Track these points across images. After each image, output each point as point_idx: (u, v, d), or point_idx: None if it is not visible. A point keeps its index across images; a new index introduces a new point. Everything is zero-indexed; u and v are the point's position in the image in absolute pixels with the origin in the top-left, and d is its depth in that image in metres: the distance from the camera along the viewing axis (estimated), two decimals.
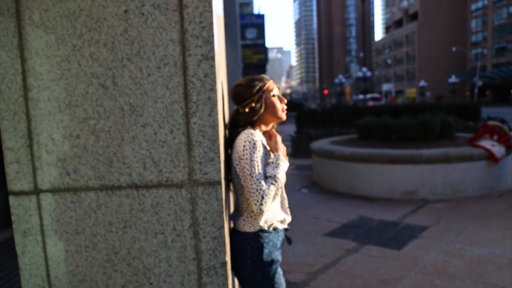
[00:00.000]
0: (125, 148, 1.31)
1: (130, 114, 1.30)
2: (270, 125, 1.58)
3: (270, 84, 1.53)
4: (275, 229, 1.54)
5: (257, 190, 1.36)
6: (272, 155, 1.50)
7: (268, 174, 1.42)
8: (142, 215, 1.33)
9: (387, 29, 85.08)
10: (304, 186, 6.76)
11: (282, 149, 1.52)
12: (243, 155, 1.39)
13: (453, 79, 45.08)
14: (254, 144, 1.39)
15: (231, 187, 1.58)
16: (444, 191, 5.62)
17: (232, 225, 1.58)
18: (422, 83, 50.66)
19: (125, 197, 1.33)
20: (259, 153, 1.40)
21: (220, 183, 1.32)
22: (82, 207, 1.33)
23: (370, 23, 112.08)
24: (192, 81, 1.28)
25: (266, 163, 1.45)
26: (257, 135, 1.42)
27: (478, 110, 11.22)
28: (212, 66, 1.28)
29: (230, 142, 1.51)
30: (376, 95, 60.24)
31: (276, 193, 1.45)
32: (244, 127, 1.47)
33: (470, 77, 49.50)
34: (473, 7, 60.03)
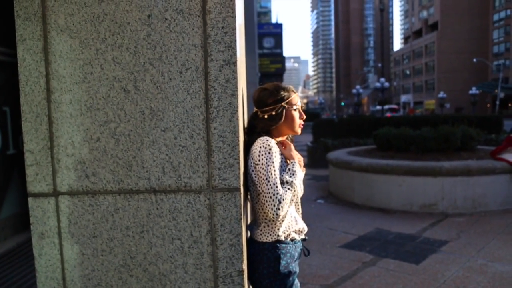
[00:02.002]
0: (145, 152, 1.30)
1: (151, 118, 1.29)
2: (285, 137, 1.58)
3: (295, 97, 1.51)
4: (292, 240, 1.50)
5: (273, 195, 1.34)
6: (289, 162, 1.48)
7: (285, 180, 1.40)
8: (159, 220, 1.32)
9: (406, 39, 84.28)
10: (320, 197, 6.66)
11: (297, 157, 1.49)
12: (259, 160, 1.37)
13: (473, 90, 44.12)
14: (270, 149, 1.38)
15: (248, 196, 1.55)
16: (465, 204, 5.44)
17: (249, 234, 1.55)
18: (442, 94, 49.73)
19: (143, 201, 1.32)
20: (275, 159, 1.38)
21: (239, 189, 1.29)
22: (100, 210, 1.32)
23: (388, 33, 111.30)
24: (213, 86, 1.27)
25: (281, 170, 1.43)
26: (273, 142, 1.41)
27: (500, 122, 10.91)
28: (234, 71, 1.26)
29: (246, 148, 1.49)
30: (394, 106, 59.48)
31: (292, 199, 1.42)
32: (260, 134, 1.45)
33: (491, 88, 48.33)
34: (496, 17, 58.84)
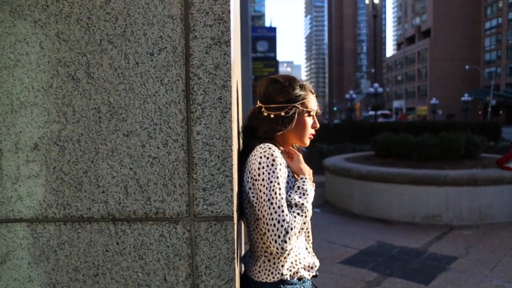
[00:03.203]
0: (101, 165, 0.93)
1: (109, 118, 0.92)
2: (288, 147, 1.22)
3: (312, 98, 1.15)
4: (300, 278, 1.14)
5: (278, 222, 0.97)
6: (299, 178, 1.11)
7: (293, 202, 1.03)
8: (121, 260, 0.95)
9: (399, 45, 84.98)
10: (316, 205, 6.31)
11: (307, 170, 1.13)
12: (259, 175, 1.01)
13: (466, 97, 44.45)
14: (274, 160, 1.01)
15: (243, 220, 1.19)
16: (471, 216, 5.14)
17: (242, 269, 1.19)
18: (434, 100, 50.06)
19: (98, 233, 0.94)
20: (280, 173, 1.02)
21: (231, 218, 0.93)
22: (38, 245, 0.95)
23: (381, 39, 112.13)
24: (197, 74, 0.91)
25: (288, 188, 1.07)
26: (277, 151, 1.05)
27: (499, 129, 10.72)
28: (226, 54, 0.90)
29: (242, 157, 1.13)
30: (386, 111, 59.73)
31: (302, 228, 1.06)
32: (261, 140, 1.10)
33: (483, 95, 48.81)
34: (487, 25, 59.59)
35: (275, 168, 1.00)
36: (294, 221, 0.98)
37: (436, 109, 51.37)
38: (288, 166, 1.10)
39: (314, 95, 1.15)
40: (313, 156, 9.61)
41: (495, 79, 52.00)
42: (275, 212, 0.97)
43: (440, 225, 5.10)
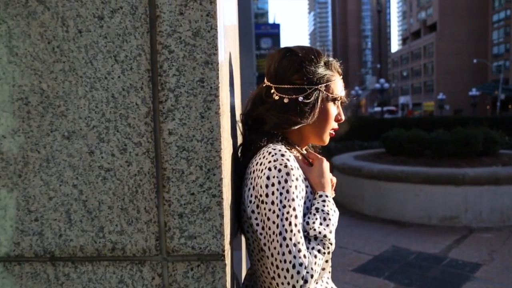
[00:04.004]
0: (31, 181, 0.64)
1: (42, 112, 0.63)
2: (304, 147, 0.89)
3: (339, 82, 0.84)
4: None
5: (293, 267, 0.66)
6: (316, 195, 0.78)
7: (312, 233, 0.71)
8: None
9: (404, 40, 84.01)
10: None
11: (330, 184, 0.82)
12: (267, 194, 0.69)
13: (473, 92, 43.78)
14: (288, 174, 0.70)
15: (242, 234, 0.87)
16: (492, 217, 4.81)
17: None
18: (441, 96, 49.41)
19: (31, 278, 0.65)
20: (296, 192, 0.70)
21: (221, 257, 0.64)
22: None
23: (386, 35, 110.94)
24: (167, 45, 0.61)
25: (305, 209, 0.75)
26: (292, 158, 0.73)
27: None
28: (210, 14, 0.60)
29: (243, 157, 0.83)
30: (392, 107, 59.11)
31: (323, 268, 0.76)
32: (270, 136, 0.78)
33: (491, 90, 48.04)
34: (495, 17, 58.53)
35: (290, 186, 0.69)
36: (315, 263, 0.67)
37: (443, 105, 50.76)
38: (305, 178, 0.78)
39: (341, 76, 0.85)
40: (320, 154, 9.28)
41: (504, 72, 51.17)
42: (289, 253, 0.65)
43: (459, 227, 4.78)
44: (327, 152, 9.10)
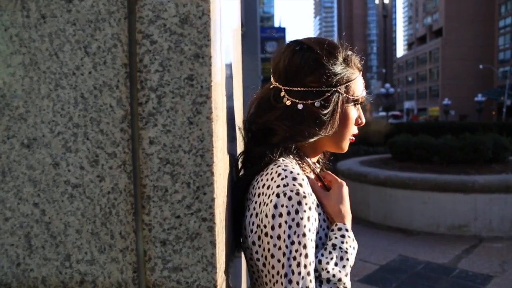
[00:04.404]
0: None
1: None
2: (317, 157, 0.76)
3: (360, 81, 0.71)
4: None
5: None
6: (334, 227, 0.65)
7: (325, 275, 0.59)
8: None
9: (410, 45, 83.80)
10: None
11: (349, 211, 0.68)
12: (273, 227, 0.56)
13: (479, 97, 43.49)
14: (300, 204, 0.56)
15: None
16: (502, 226, 4.67)
17: None
18: (446, 101, 49.16)
19: None
20: (309, 224, 0.57)
21: None
22: None
23: (391, 40, 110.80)
24: (149, 34, 0.50)
25: (318, 240, 0.63)
26: (305, 183, 0.60)
27: None
28: None
29: (245, 174, 0.69)
30: (397, 112, 58.86)
31: None
32: (278, 149, 0.64)
33: (497, 95, 47.75)
34: (501, 23, 58.21)
35: (301, 218, 0.56)
36: None
37: (448, 110, 50.52)
38: (319, 204, 0.64)
39: (361, 72, 0.72)
40: (329, 160, 9.15)
41: (510, 78, 50.81)
42: None
43: (468, 236, 4.65)
44: (330, 155, 8.93)
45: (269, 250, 0.56)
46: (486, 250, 4.26)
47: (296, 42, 0.68)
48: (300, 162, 0.67)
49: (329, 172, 0.73)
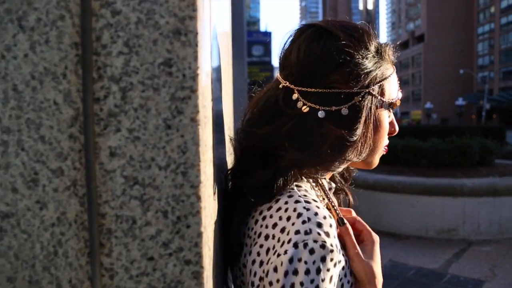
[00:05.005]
0: None
1: None
2: (329, 174, 0.58)
3: (394, 77, 0.56)
4: None
5: None
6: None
7: None
8: None
9: None
10: None
11: (381, 276, 0.53)
12: (283, 287, 0.41)
13: (460, 101, 44.62)
14: (324, 260, 0.41)
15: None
16: (490, 230, 4.68)
17: None
18: (428, 105, 50.27)
19: None
20: (329, 287, 0.42)
21: None
22: None
23: None
24: (109, 1, 0.35)
25: None
26: (333, 231, 0.44)
27: (503, 133, 10.31)
28: None
29: (242, 203, 0.51)
30: None
31: None
32: (286, 174, 0.48)
33: (477, 100, 49.22)
34: (480, 30, 60.10)
35: (323, 280, 0.41)
36: None
37: (430, 114, 51.68)
38: (348, 259, 0.47)
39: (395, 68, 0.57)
40: None
41: (489, 83, 52.45)
42: None
43: (456, 240, 4.64)
44: None
45: None
46: (475, 254, 4.25)
47: (312, 26, 0.51)
48: (315, 187, 0.52)
49: (358, 219, 0.55)
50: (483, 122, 41.18)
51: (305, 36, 0.50)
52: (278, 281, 0.41)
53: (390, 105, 0.53)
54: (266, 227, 0.45)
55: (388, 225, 4.97)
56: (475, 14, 62.09)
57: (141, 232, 0.36)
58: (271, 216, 0.45)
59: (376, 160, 0.56)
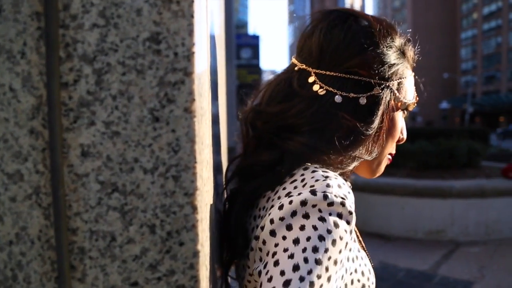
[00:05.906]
0: None
1: None
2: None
3: (412, 80, 0.53)
4: None
5: None
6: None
7: None
8: None
9: None
10: None
11: None
12: (290, 225, 0.35)
13: (444, 105, 45.64)
14: (341, 216, 0.36)
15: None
16: (477, 231, 4.76)
17: None
18: (414, 108, 51.40)
19: None
20: (342, 256, 0.36)
21: None
22: None
23: None
24: None
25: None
26: (352, 201, 0.40)
27: (487, 136, 10.51)
28: None
29: (245, 193, 0.44)
30: None
31: None
32: (296, 166, 0.43)
33: (460, 103, 50.48)
34: (463, 35, 61.71)
35: (341, 238, 0.36)
36: None
37: (415, 117, 52.71)
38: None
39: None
40: None
41: (472, 87, 53.89)
42: None
43: (445, 241, 4.71)
44: None
45: (273, 254, 0.34)
46: (464, 255, 4.30)
47: (340, 12, 0.47)
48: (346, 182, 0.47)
49: None
50: (467, 125, 42.23)
51: (329, 19, 0.46)
52: (283, 219, 0.35)
53: (406, 107, 0.50)
54: (279, 198, 0.39)
55: (378, 227, 5.00)
56: (458, 20, 63.93)
57: (122, 251, 0.28)
58: (284, 188, 0.40)
59: (381, 168, 0.53)
